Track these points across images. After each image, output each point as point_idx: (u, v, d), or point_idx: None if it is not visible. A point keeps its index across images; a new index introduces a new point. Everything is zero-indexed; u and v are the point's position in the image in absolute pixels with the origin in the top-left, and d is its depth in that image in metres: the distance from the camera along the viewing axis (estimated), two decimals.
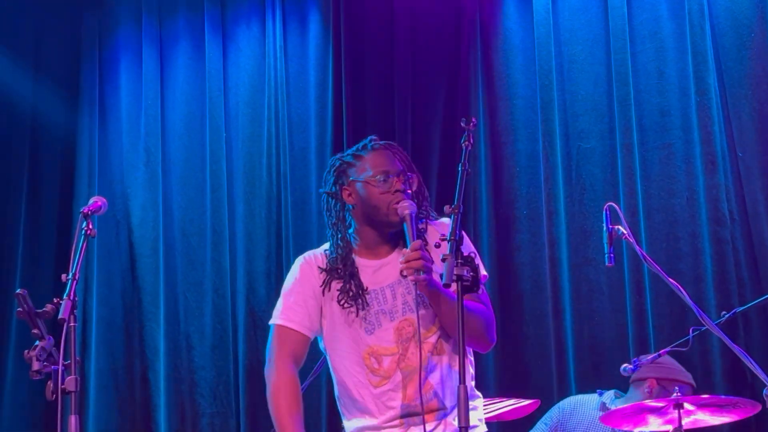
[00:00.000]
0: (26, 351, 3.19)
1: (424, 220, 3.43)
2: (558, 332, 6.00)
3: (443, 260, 3.02)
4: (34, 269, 7.06)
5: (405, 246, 3.24)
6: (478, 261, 3.23)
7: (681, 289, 4.01)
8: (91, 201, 3.58)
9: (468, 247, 3.32)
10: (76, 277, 3.32)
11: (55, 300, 3.27)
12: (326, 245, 3.54)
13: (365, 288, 3.40)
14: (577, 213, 6.09)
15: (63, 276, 3.33)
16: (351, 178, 3.49)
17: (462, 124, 3.34)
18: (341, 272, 3.43)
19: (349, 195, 3.48)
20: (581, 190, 6.11)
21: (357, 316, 3.39)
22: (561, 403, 5.46)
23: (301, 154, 6.77)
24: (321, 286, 3.45)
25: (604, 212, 4.21)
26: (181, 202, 6.96)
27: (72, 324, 3.22)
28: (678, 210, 5.91)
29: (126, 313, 6.91)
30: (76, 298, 3.28)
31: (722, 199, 5.80)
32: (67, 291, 3.27)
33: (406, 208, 3.32)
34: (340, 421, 3.55)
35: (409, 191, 3.41)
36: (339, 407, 3.53)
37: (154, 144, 7.05)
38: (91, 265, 6.89)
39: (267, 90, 6.88)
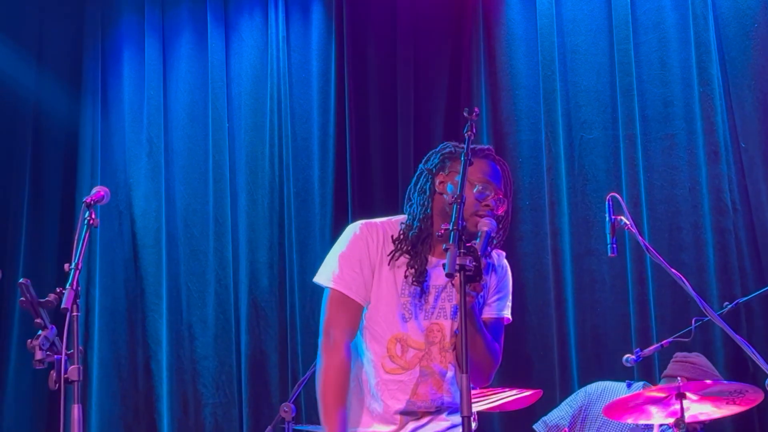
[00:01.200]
0: (29, 340, 3.20)
1: (492, 245, 3.40)
2: (560, 322, 6.00)
3: (446, 250, 3.01)
4: (37, 259, 7.06)
5: None
6: (508, 303, 3.43)
7: (683, 279, 4.00)
8: (93, 191, 3.59)
9: (508, 285, 3.48)
10: (79, 267, 3.33)
11: (57, 290, 3.28)
12: (392, 218, 3.47)
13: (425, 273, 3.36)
14: (579, 203, 6.09)
15: (66, 266, 3.33)
16: (453, 170, 3.38)
17: (464, 114, 3.33)
18: (416, 248, 3.36)
19: (441, 182, 3.40)
20: (584, 181, 6.11)
21: (401, 299, 3.35)
22: (588, 388, 5.40)
23: (303, 145, 6.77)
24: (385, 254, 3.37)
25: (606, 203, 4.20)
26: (184, 192, 6.96)
27: (75, 314, 3.23)
28: (680, 200, 5.91)
29: (129, 303, 6.92)
30: (79, 288, 3.29)
31: (725, 189, 5.80)
32: (69, 281, 3.28)
33: (486, 225, 3.26)
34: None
35: (498, 213, 3.37)
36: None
37: (157, 134, 7.05)
38: (93, 254, 6.90)
39: (269, 80, 6.88)
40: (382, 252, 3.38)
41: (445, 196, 3.36)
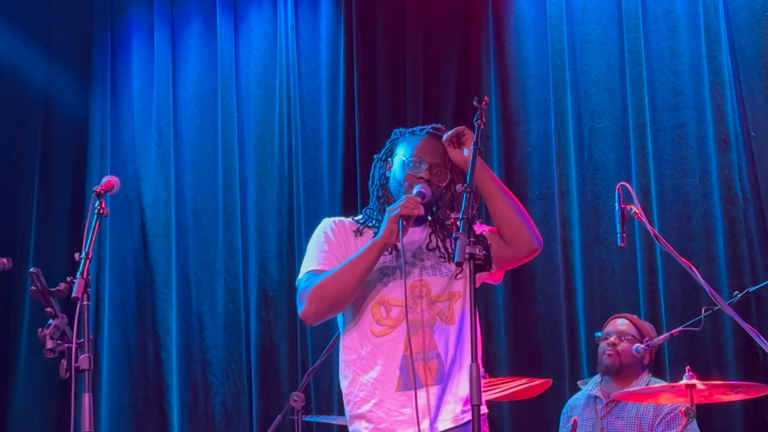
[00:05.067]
0: (40, 329, 3.20)
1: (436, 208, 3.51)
2: (570, 312, 6.00)
3: (455, 239, 3.03)
4: (47, 248, 7.08)
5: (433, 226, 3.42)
6: None
7: (693, 268, 4.00)
8: (104, 180, 3.59)
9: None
10: (89, 256, 3.33)
11: (68, 279, 3.28)
12: (354, 217, 3.64)
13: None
14: (589, 193, 6.08)
15: (76, 255, 3.34)
16: (395, 153, 3.58)
17: (474, 103, 3.36)
18: (376, 224, 3.50)
19: (389, 167, 3.59)
20: (593, 170, 6.10)
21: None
22: (564, 411, 5.46)
23: (312, 134, 6.77)
24: (349, 233, 3.53)
25: (616, 192, 4.19)
26: (193, 182, 6.97)
27: (85, 303, 3.24)
28: (690, 190, 5.90)
29: (138, 292, 6.94)
30: (89, 277, 3.29)
31: (735, 178, 5.78)
32: (80, 270, 3.29)
33: (417, 188, 3.41)
34: None
35: (440, 185, 3.48)
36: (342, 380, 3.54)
37: (166, 124, 7.05)
38: (103, 244, 6.92)
39: (278, 70, 6.87)
40: (346, 233, 3.54)
41: (393, 174, 3.54)
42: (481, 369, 3.33)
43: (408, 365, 3.35)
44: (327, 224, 3.57)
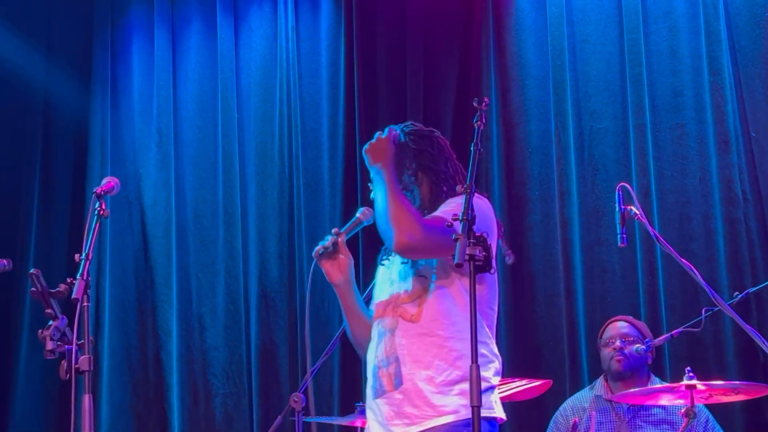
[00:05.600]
0: (40, 330, 3.21)
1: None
2: (570, 313, 6.00)
3: (455, 240, 3.02)
4: (48, 249, 7.08)
5: None
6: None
7: (694, 269, 4.00)
8: (104, 181, 3.60)
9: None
10: (89, 257, 3.34)
11: (68, 280, 3.29)
12: None
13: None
14: (589, 193, 6.08)
15: (76, 256, 3.34)
16: None
17: (474, 104, 3.35)
18: None
19: None
20: (593, 171, 6.10)
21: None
22: (560, 411, 5.44)
23: (312, 135, 6.77)
24: None
25: (616, 192, 4.20)
26: (194, 183, 6.97)
27: (85, 304, 3.24)
28: (691, 190, 5.90)
29: (139, 293, 6.93)
30: (89, 278, 3.29)
31: (735, 179, 5.78)
32: (80, 271, 3.29)
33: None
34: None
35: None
36: None
37: (166, 125, 7.05)
38: (104, 245, 6.91)
39: (279, 71, 6.87)
40: None
41: None
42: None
43: (376, 373, 3.42)
44: None
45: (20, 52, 7.26)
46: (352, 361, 6.07)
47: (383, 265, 3.58)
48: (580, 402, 5.34)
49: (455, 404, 3.27)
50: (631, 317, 5.36)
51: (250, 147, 6.89)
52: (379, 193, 3.42)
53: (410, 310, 3.40)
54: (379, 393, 3.39)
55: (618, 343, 5.17)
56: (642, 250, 5.85)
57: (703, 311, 4.50)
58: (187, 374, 6.71)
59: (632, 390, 4.81)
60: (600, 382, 5.32)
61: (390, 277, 3.52)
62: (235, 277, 6.75)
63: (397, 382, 3.34)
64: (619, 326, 5.25)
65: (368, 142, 3.54)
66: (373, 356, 3.45)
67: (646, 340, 5.04)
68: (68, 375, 3.20)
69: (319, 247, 3.55)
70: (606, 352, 5.23)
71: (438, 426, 3.26)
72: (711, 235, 5.80)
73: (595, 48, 6.22)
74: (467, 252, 2.99)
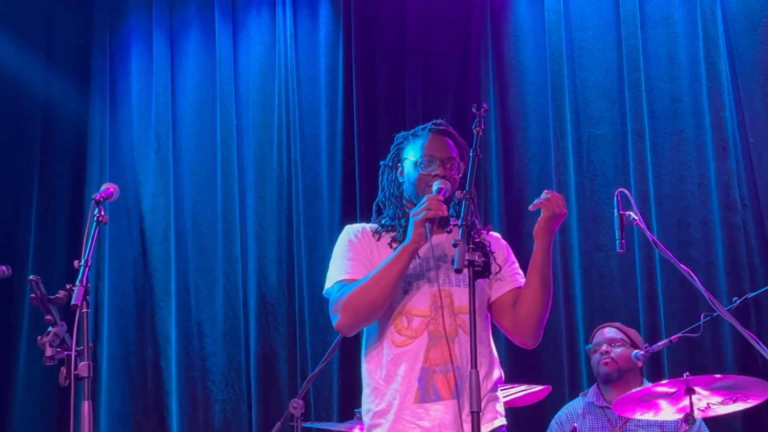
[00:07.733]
0: (39, 337, 3.21)
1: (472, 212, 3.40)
2: (569, 318, 6.00)
3: (454, 245, 3.03)
4: (47, 256, 7.08)
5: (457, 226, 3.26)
6: (518, 269, 3.57)
7: (692, 275, 4.00)
8: (103, 187, 3.60)
9: (510, 253, 3.60)
10: (89, 264, 3.34)
11: (67, 286, 3.29)
12: (368, 224, 3.63)
13: None
14: (588, 199, 6.09)
15: (75, 262, 3.34)
16: (403, 156, 3.58)
17: (473, 110, 3.37)
18: (396, 228, 3.51)
19: (401, 172, 3.59)
20: (592, 177, 6.11)
21: None
22: (556, 418, 5.45)
23: (311, 141, 6.77)
24: (372, 240, 3.52)
25: (615, 198, 4.21)
26: (192, 190, 6.97)
27: (84, 310, 3.24)
28: (689, 196, 5.91)
29: (137, 299, 6.93)
30: (89, 285, 3.30)
31: (733, 185, 5.79)
32: (79, 277, 3.29)
33: (440, 183, 3.40)
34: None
35: (456, 178, 3.49)
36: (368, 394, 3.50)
37: (165, 131, 7.06)
38: (102, 251, 6.91)
39: (277, 77, 6.88)
40: (369, 238, 3.52)
41: (407, 178, 3.54)
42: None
43: (427, 377, 3.34)
44: (350, 231, 3.54)
45: (19, 58, 7.27)
46: (351, 367, 6.06)
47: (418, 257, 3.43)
48: (574, 409, 5.36)
49: (503, 408, 3.45)
50: (620, 324, 5.37)
51: (249, 153, 6.90)
52: (545, 273, 3.52)
53: (464, 319, 3.34)
54: (432, 398, 3.33)
55: (604, 347, 5.21)
56: (641, 256, 5.86)
57: (702, 316, 4.50)
58: (186, 380, 6.71)
59: (628, 393, 4.79)
60: (593, 388, 5.34)
61: (444, 272, 3.42)
62: (234, 284, 6.76)
63: (457, 391, 3.30)
64: (606, 331, 5.30)
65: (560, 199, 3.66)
66: (418, 357, 3.36)
67: (645, 345, 5.04)
68: (67, 381, 3.20)
69: (437, 202, 3.33)
70: (594, 358, 5.28)
71: (497, 428, 3.38)
72: (709, 241, 5.81)
73: (593, 54, 6.23)
74: (466, 258, 3.00)
